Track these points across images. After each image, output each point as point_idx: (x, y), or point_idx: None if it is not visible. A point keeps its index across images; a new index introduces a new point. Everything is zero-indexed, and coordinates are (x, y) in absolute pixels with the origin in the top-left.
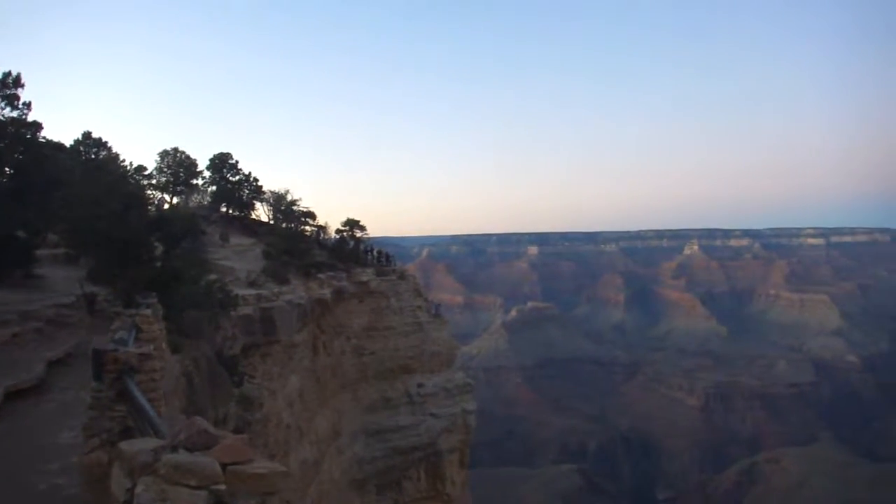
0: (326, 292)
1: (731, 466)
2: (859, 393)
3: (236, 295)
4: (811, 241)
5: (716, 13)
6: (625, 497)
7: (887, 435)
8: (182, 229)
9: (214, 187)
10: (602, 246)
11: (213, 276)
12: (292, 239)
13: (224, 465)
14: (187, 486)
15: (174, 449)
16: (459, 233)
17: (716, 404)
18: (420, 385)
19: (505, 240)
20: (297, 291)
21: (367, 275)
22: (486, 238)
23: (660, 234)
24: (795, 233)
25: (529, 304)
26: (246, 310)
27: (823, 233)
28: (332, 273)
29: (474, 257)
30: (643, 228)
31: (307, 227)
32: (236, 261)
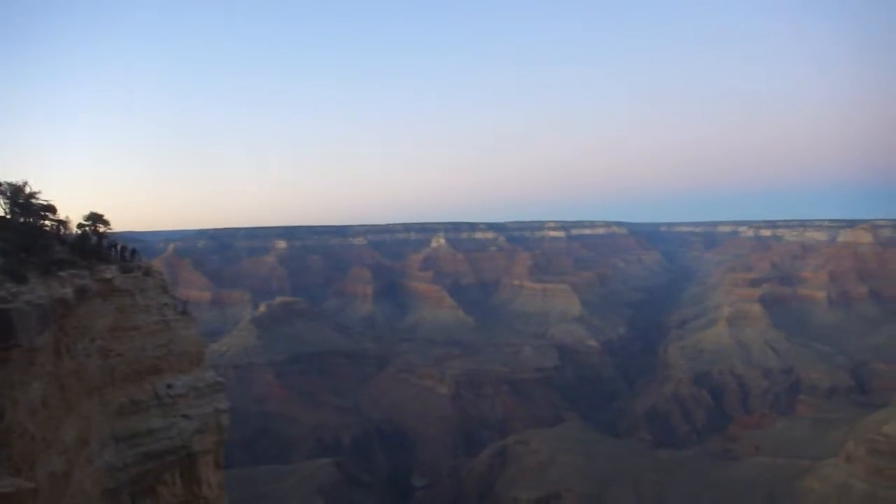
0: (68, 291)
1: (483, 450)
2: (600, 375)
3: None
4: (552, 233)
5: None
6: (381, 487)
7: (626, 412)
8: None
9: None
10: (351, 239)
11: None
12: (31, 234)
13: None
14: None
15: None
16: (206, 227)
17: (466, 391)
18: (169, 386)
19: (253, 234)
20: (36, 291)
21: (110, 272)
22: (233, 232)
23: (407, 228)
24: (538, 226)
25: (278, 298)
26: None
27: (564, 226)
28: (74, 271)
29: (221, 252)
30: (391, 222)
31: (47, 222)
32: None
